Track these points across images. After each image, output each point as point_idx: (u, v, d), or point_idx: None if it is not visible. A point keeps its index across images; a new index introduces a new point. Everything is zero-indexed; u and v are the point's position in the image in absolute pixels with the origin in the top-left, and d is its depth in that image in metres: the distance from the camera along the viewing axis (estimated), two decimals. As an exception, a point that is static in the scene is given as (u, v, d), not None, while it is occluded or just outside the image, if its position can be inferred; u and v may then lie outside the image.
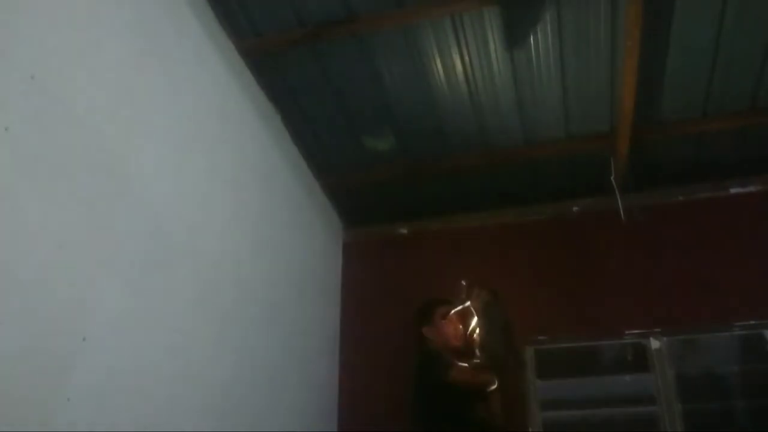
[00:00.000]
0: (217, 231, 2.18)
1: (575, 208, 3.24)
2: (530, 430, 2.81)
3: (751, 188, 3.06)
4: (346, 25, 2.34)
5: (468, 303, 2.62)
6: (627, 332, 2.93)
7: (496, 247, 3.26)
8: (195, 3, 2.20)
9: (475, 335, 2.58)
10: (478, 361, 2.50)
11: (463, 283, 2.66)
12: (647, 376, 2.83)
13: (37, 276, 1.36)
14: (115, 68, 1.73)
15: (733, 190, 3.08)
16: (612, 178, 2.96)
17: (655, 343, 2.86)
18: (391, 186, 3.27)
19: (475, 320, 2.61)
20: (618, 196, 3.03)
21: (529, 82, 2.59)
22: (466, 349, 2.58)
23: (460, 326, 2.64)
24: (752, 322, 2.80)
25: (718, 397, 2.82)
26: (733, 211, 3.04)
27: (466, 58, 2.49)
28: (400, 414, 2.96)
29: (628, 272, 3.02)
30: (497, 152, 2.99)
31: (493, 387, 2.45)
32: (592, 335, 2.96)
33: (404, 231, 3.46)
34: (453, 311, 2.64)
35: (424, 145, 2.98)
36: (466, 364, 2.47)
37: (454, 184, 3.24)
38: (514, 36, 2.39)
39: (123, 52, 1.77)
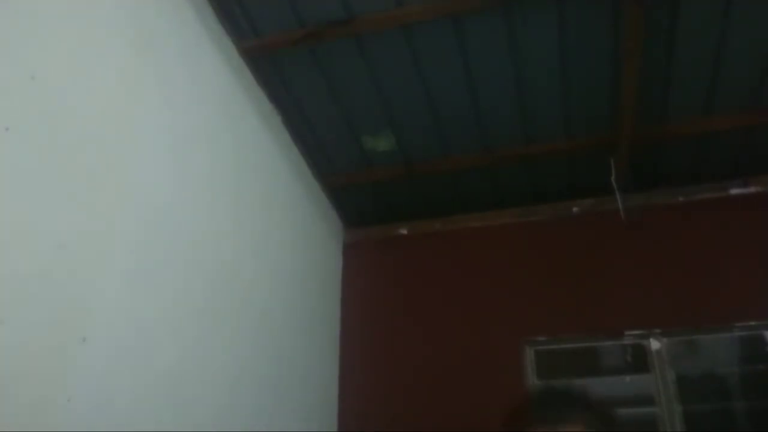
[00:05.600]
0: (217, 231, 2.17)
1: (575, 209, 3.25)
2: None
3: (751, 189, 3.06)
4: (346, 25, 2.34)
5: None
6: (627, 333, 2.92)
7: (496, 247, 3.26)
8: (195, 3, 2.20)
9: None
10: None
11: None
12: (647, 377, 2.82)
13: (37, 276, 1.36)
14: (115, 68, 1.73)
15: (733, 191, 3.08)
16: (612, 178, 2.95)
17: (655, 344, 2.86)
18: (391, 186, 3.27)
19: None
20: (618, 197, 3.03)
21: (529, 82, 2.59)
22: None
23: None
24: (752, 322, 2.80)
25: (718, 398, 2.82)
26: (733, 211, 3.04)
27: (466, 58, 2.49)
28: (400, 414, 2.97)
29: (628, 273, 3.02)
30: (497, 152, 2.99)
31: None
32: (592, 336, 2.96)
33: (404, 231, 3.46)
34: None
35: (424, 145, 2.98)
36: None
37: (454, 184, 3.24)
38: (515, 35, 2.39)
39: (123, 52, 1.77)
